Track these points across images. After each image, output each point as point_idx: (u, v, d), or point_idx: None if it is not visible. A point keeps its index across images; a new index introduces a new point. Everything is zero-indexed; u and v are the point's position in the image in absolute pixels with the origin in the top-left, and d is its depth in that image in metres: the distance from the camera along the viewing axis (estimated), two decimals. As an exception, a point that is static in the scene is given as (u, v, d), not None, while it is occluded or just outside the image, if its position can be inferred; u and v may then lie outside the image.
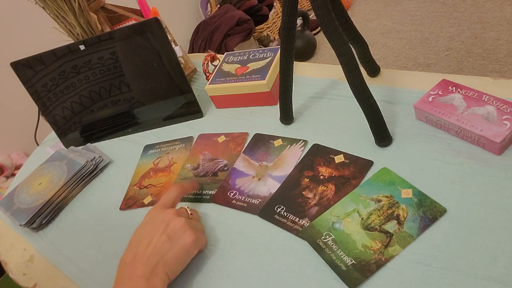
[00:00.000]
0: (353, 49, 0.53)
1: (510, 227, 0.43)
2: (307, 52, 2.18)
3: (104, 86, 0.81)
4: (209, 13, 2.39)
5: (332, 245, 0.48)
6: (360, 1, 2.49)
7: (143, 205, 0.66)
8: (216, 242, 0.55)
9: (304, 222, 0.52)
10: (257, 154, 0.65)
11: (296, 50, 1.19)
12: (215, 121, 0.77)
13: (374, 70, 0.67)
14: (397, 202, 0.49)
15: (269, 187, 0.58)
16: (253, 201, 0.58)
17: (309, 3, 1.53)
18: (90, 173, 0.76)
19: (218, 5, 2.34)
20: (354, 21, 0.59)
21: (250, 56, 0.78)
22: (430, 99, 0.56)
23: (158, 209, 0.54)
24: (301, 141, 0.63)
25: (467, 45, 1.81)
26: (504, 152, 0.49)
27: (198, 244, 0.52)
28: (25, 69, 0.80)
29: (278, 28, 2.35)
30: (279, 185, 0.58)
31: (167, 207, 0.55)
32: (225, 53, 0.82)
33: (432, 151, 0.53)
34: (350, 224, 0.49)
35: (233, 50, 2.06)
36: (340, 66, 0.53)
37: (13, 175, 1.65)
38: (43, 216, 0.70)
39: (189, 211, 0.56)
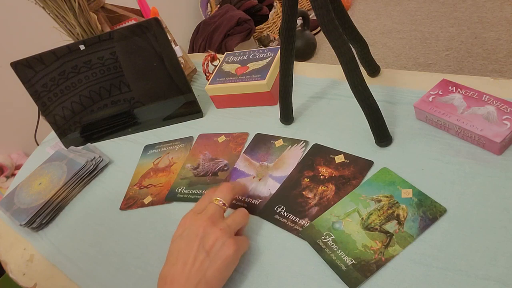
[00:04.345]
0: (353, 49, 0.53)
1: (510, 227, 0.43)
2: (307, 52, 2.19)
3: (104, 86, 0.81)
4: (209, 13, 2.39)
5: (332, 245, 0.48)
6: (360, 1, 2.49)
7: (143, 205, 0.66)
8: (216, 242, 0.55)
9: (304, 222, 0.52)
10: (258, 154, 0.65)
11: (296, 50, 1.19)
12: (215, 121, 0.77)
13: (374, 70, 0.67)
14: (397, 202, 0.49)
15: (269, 187, 0.58)
16: (253, 202, 0.58)
17: (309, 3, 1.53)
18: (90, 173, 0.76)
19: (218, 5, 2.34)
20: (354, 21, 0.59)
21: (250, 56, 0.78)
22: (430, 99, 0.56)
23: (190, 217, 0.50)
24: (302, 141, 0.63)
25: (467, 45, 1.81)
26: (504, 152, 0.49)
27: (240, 251, 0.47)
28: (25, 69, 0.80)
29: (278, 28, 2.35)
30: (279, 185, 0.58)
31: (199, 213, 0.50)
32: (225, 53, 0.82)
33: (432, 151, 0.53)
34: (350, 224, 0.49)
35: (233, 50, 2.06)
36: (340, 66, 0.53)
37: (13, 175, 1.65)
38: (43, 216, 0.70)
39: (221, 203, 0.50)
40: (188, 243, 0.47)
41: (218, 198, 0.51)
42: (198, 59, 0.96)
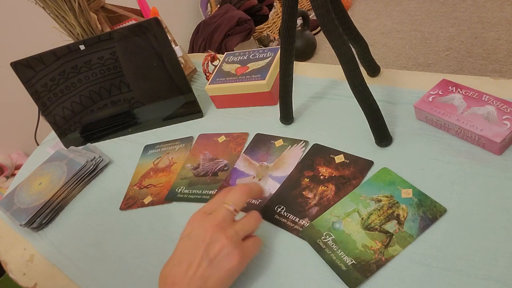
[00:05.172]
0: (353, 49, 0.53)
1: (510, 227, 0.43)
2: (307, 52, 2.19)
3: (104, 86, 0.81)
4: (209, 13, 2.39)
5: (332, 245, 0.48)
6: (360, 1, 2.49)
7: (143, 205, 0.66)
8: (216, 242, 0.55)
9: (304, 222, 0.52)
10: (258, 154, 0.65)
11: (296, 50, 1.19)
12: (215, 121, 0.77)
13: (374, 70, 0.67)
14: (397, 202, 0.49)
15: (269, 187, 0.58)
16: (253, 202, 0.58)
17: (309, 3, 1.53)
18: (90, 173, 0.76)
19: (218, 5, 2.34)
20: (354, 21, 0.59)
21: (250, 56, 0.78)
22: (430, 99, 0.56)
23: (200, 218, 0.48)
24: (302, 141, 0.63)
25: (467, 45, 1.81)
26: (504, 152, 0.49)
27: (246, 260, 0.46)
28: (25, 69, 0.80)
29: (278, 28, 2.35)
30: (279, 185, 0.58)
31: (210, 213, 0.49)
32: (225, 53, 0.82)
33: (432, 151, 0.53)
34: (350, 224, 0.49)
35: (233, 50, 2.06)
36: (340, 66, 0.53)
37: (13, 175, 1.65)
38: (43, 216, 0.70)
39: (231, 209, 0.48)
40: (193, 247, 0.46)
41: (230, 202, 0.49)
42: (198, 59, 0.96)
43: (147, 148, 0.78)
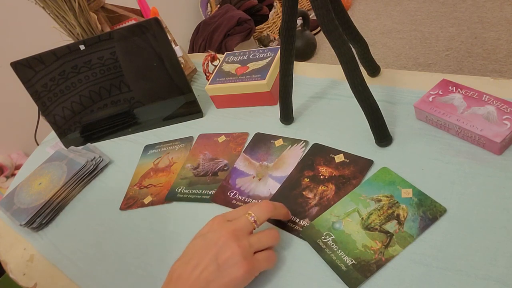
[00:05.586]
0: (353, 49, 0.53)
1: (510, 227, 0.43)
2: (307, 52, 2.19)
3: (104, 86, 0.81)
4: (209, 13, 2.39)
5: (332, 245, 0.48)
6: (360, 1, 2.49)
7: (143, 205, 0.66)
8: (216, 242, 0.55)
9: (305, 222, 0.52)
10: (257, 153, 0.65)
11: (296, 50, 1.19)
12: (215, 121, 0.77)
13: (374, 70, 0.67)
14: (397, 202, 0.49)
15: (269, 187, 0.58)
16: (253, 202, 0.58)
17: (309, 3, 1.53)
18: (90, 173, 0.76)
19: (218, 5, 2.34)
20: (354, 21, 0.59)
21: (250, 56, 0.78)
22: (430, 99, 0.56)
23: (219, 221, 0.48)
24: (302, 141, 0.63)
25: (467, 45, 1.81)
26: (504, 152, 0.49)
27: (250, 275, 0.45)
28: (25, 69, 0.80)
29: (278, 28, 2.35)
30: (279, 185, 0.58)
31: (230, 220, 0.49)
32: (225, 53, 0.82)
33: (432, 151, 0.53)
34: (350, 224, 0.49)
35: (233, 50, 2.06)
36: (340, 66, 0.53)
37: (13, 175, 1.65)
38: (43, 216, 0.70)
39: (252, 220, 0.48)
40: (205, 248, 0.46)
41: (252, 214, 0.49)
42: (198, 59, 0.96)
43: (147, 148, 0.78)
